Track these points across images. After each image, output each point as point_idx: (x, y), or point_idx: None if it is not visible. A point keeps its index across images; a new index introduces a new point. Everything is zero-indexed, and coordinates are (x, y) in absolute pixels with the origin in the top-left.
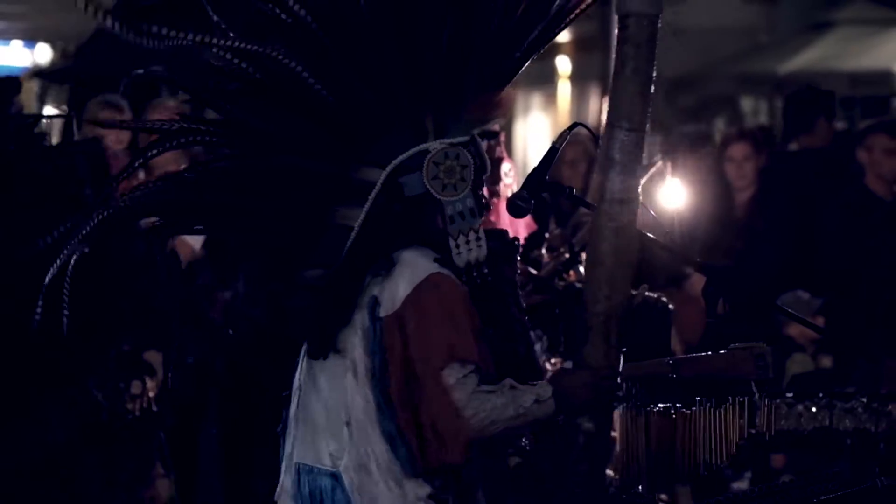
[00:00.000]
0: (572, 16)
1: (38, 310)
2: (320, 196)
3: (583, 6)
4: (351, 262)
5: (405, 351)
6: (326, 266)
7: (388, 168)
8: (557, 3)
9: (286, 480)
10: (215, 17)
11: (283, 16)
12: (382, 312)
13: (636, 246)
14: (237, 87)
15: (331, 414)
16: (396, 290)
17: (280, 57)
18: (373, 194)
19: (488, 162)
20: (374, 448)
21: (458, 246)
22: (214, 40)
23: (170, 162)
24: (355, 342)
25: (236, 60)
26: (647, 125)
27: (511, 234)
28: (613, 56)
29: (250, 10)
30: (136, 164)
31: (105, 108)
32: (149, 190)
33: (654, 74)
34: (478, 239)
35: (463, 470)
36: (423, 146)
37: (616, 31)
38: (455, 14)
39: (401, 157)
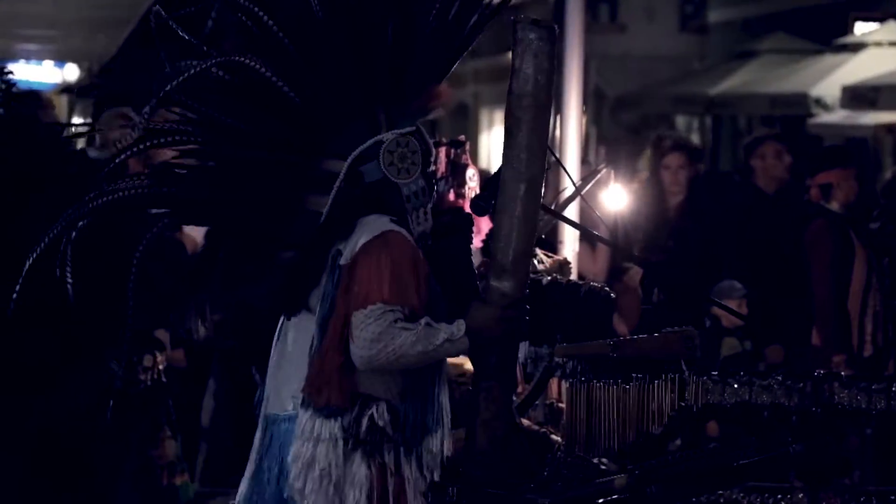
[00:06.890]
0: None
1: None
2: (289, 185)
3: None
4: (321, 235)
5: (347, 292)
6: (299, 248)
7: (350, 158)
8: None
9: (256, 436)
10: (187, 37)
11: (256, 29)
12: (342, 261)
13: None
14: (213, 90)
15: (297, 363)
16: (357, 243)
17: (256, 66)
18: (337, 183)
19: (432, 146)
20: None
21: (411, 221)
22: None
23: (135, 163)
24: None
25: (214, 70)
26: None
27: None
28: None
29: (222, 24)
30: (125, 156)
31: (116, 118)
32: (132, 185)
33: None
34: (425, 214)
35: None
36: (378, 137)
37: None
38: (396, 20)
39: (360, 148)
